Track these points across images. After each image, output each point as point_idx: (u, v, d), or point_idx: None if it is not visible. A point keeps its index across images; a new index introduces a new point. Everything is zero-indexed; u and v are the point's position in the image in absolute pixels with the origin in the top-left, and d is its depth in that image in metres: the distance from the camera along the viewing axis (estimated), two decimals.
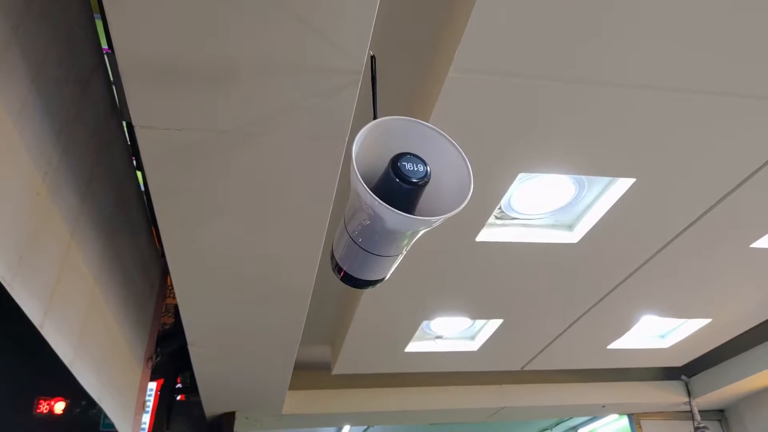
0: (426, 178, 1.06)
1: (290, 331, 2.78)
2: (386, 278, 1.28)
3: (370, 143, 1.07)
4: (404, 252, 1.21)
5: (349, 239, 1.16)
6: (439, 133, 1.12)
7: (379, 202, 0.99)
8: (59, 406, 4.08)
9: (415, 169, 1.05)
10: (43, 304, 1.82)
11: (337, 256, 1.26)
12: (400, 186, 1.04)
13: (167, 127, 1.45)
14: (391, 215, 1.01)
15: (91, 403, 4.12)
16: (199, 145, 1.53)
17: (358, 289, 1.33)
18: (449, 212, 1.04)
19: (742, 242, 2.71)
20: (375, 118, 1.28)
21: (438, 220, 1.04)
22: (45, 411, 4.03)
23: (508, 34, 1.56)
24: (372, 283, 1.26)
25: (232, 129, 1.50)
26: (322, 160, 1.67)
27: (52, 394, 4.07)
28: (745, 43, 1.66)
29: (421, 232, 1.14)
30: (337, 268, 1.27)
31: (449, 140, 1.11)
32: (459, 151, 1.11)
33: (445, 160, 1.10)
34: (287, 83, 1.39)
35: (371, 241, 1.15)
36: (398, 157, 1.06)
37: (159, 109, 1.42)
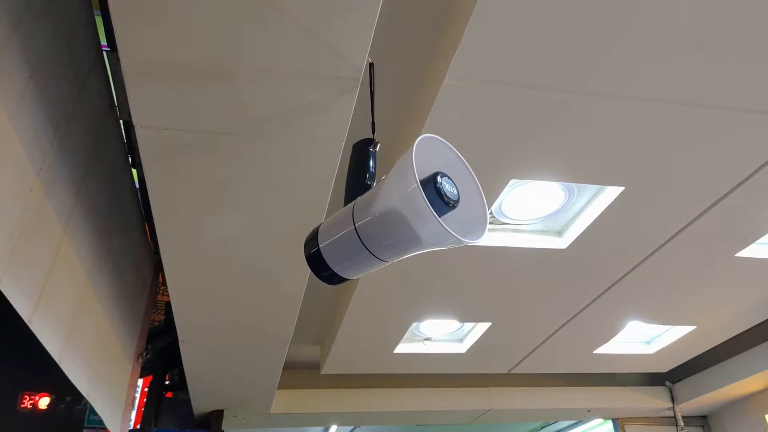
0: (458, 202, 1.09)
1: (281, 331, 2.80)
2: (345, 279, 1.23)
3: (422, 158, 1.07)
4: (387, 264, 1.20)
5: (353, 230, 1.12)
6: (467, 167, 1.15)
7: (429, 209, 0.98)
8: (44, 402, 4.05)
9: (452, 190, 1.09)
10: (33, 298, 1.82)
11: (321, 240, 1.19)
12: (434, 201, 1.04)
13: (167, 127, 1.47)
14: (435, 225, 1.00)
15: (77, 399, 4.10)
16: (198, 146, 1.55)
17: (324, 283, 1.25)
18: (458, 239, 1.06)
19: (727, 251, 2.77)
20: (372, 123, 1.31)
21: (464, 242, 1.05)
22: (29, 406, 4.00)
23: (503, 44, 1.59)
24: (342, 280, 1.22)
25: (230, 131, 1.53)
26: (318, 163, 1.69)
27: (37, 389, 4.04)
28: (730, 57, 1.70)
29: (427, 250, 1.14)
30: (315, 252, 1.19)
31: (473, 176, 1.14)
32: (479, 189, 1.13)
33: (465, 193, 1.13)
34: (287, 88, 1.41)
35: (379, 241, 1.11)
36: (443, 175, 1.09)
37: (160, 109, 1.43)
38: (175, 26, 1.24)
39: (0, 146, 1.52)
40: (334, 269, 1.18)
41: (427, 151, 1.09)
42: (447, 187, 1.08)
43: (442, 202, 1.06)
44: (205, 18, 1.23)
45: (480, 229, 1.10)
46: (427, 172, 1.09)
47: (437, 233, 1.03)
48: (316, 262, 1.19)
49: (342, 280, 1.22)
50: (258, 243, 2.10)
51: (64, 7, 1.88)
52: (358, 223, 1.11)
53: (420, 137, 1.05)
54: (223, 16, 1.23)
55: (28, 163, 1.71)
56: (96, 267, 2.42)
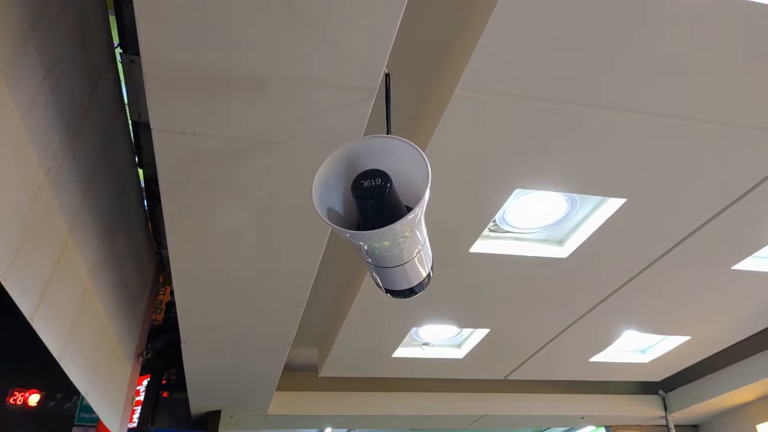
0: (386, 187, 1.10)
1: (283, 334, 2.82)
2: (423, 282, 1.38)
3: (339, 180, 1.14)
4: (414, 257, 1.28)
5: (364, 261, 1.28)
6: (396, 138, 1.17)
7: (333, 226, 1.10)
8: (33, 398, 4.04)
9: (373, 183, 1.11)
10: (36, 296, 1.82)
11: (372, 277, 1.39)
12: (366, 203, 1.11)
13: (184, 131, 1.49)
14: (348, 234, 1.11)
15: (67, 396, 4.09)
16: (214, 150, 1.57)
17: (400, 299, 1.48)
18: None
19: (724, 264, 2.81)
20: (388, 132, 1.34)
21: (388, 229, 1.09)
22: (18, 402, 4.00)
23: (513, 57, 1.62)
24: (409, 291, 1.39)
25: (247, 136, 1.55)
26: None
27: (27, 386, 4.03)
28: (731, 74, 1.74)
29: (407, 235, 1.19)
30: (380, 288, 1.41)
31: (407, 142, 1.16)
32: (417, 149, 1.15)
33: (411, 160, 1.15)
34: (305, 96, 1.44)
35: (375, 258, 1.25)
36: (357, 179, 1.12)
37: (178, 114, 1.45)
38: (198, 32, 1.26)
39: (11, 145, 1.53)
40: (394, 289, 1.39)
41: (353, 160, 1.15)
42: (366, 184, 1.11)
43: (373, 200, 1.10)
44: (228, 25, 1.25)
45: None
46: (357, 172, 1.14)
47: (377, 237, 1.12)
48: (388, 292, 1.42)
49: (409, 291, 1.41)
50: (267, 247, 2.12)
51: (80, 9, 1.90)
52: (361, 255, 1.29)
53: (315, 177, 1.12)
54: (247, 26, 1.25)
55: (38, 162, 1.72)
56: (99, 266, 2.42)
